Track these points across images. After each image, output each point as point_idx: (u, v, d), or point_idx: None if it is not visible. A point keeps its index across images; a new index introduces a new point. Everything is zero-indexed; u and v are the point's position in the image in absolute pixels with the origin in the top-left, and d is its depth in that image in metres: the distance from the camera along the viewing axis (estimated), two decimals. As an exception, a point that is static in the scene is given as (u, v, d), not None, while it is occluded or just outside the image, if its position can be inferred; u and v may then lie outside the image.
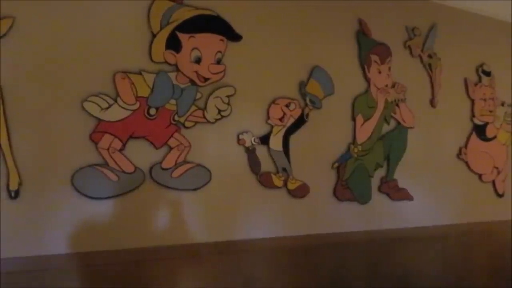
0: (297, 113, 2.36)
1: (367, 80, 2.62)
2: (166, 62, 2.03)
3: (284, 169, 2.30)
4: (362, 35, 2.62)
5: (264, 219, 2.26)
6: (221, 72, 2.15)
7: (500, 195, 3.16)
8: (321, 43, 2.48)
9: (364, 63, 2.62)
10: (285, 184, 2.30)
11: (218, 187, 2.12)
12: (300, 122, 2.37)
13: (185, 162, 2.05)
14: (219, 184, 2.13)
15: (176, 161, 2.03)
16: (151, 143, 1.98)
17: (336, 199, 2.46)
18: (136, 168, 1.93)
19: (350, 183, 2.50)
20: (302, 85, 2.39)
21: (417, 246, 2.72)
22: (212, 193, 2.11)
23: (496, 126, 3.17)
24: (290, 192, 2.31)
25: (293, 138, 2.34)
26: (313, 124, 2.41)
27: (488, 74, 3.16)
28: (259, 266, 2.23)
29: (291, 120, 2.34)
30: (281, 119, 2.31)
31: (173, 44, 2.05)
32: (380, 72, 2.67)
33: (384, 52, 2.69)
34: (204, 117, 2.11)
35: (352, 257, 2.50)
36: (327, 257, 2.42)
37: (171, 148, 2.02)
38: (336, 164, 2.47)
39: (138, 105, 1.96)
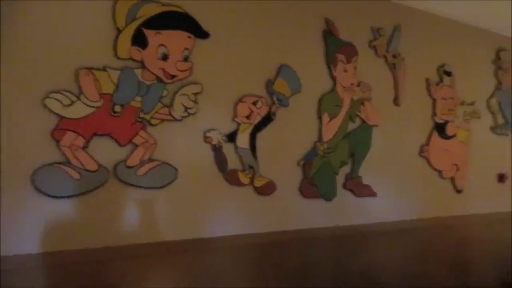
0: (264, 111, 2.39)
1: (333, 79, 2.67)
2: (131, 58, 2.01)
3: (251, 167, 2.32)
4: (329, 34, 2.67)
5: (231, 216, 2.27)
6: (188, 69, 2.15)
7: (459, 191, 3.30)
8: (288, 42, 2.51)
9: (330, 62, 2.67)
10: (252, 182, 2.32)
11: (184, 185, 2.12)
12: (267, 120, 2.40)
13: (150, 160, 2.03)
14: (186, 182, 2.12)
15: (141, 159, 2.01)
16: (116, 140, 1.96)
17: (302, 196, 2.50)
18: (99, 166, 1.90)
19: (315, 180, 2.55)
20: (269, 83, 2.41)
21: (380, 241, 2.81)
22: (179, 191, 2.10)
23: (456, 125, 3.30)
24: (256, 189, 2.33)
25: (260, 136, 2.36)
26: (280, 122, 2.44)
27: (449, 74, 3.28)
28: (226, 264, 2.25)
29: (258, 118, 2.36)
30: (248, 117, 2.33)
31: (139, 40, 2.02)
32: (346, 71, 2.72)
33: (350, 52, 2.75)
34: (171, 115, 2.09)
35: (318, 253, 2.55)
36: (293, 254, 2.46)
37: (136, 146, 2.00)
38: (302, 162, 2.51)
39: (102, 102, 1.93)
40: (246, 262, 2.31)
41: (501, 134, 3.64)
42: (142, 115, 2.02)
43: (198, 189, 2.17)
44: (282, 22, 2.49)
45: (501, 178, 3.57)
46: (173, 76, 2.10)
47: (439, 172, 3.19)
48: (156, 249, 2.05)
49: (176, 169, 2.09)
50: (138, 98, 2.01)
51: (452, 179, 3.27)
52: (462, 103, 3.37)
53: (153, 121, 2.05)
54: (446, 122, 3.25)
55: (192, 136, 2.16)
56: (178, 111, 2.11)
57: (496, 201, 3.52)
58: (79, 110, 1.87)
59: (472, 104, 3.44)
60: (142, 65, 2.03)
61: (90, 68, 1.90)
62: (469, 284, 2.90)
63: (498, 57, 3.68)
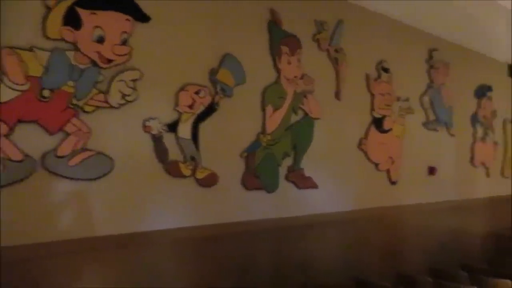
0: (207, 100, 2.32)
1: (277, 70, 2.66)
2: (63, 39, 1.85)
3: (193, 158, 2.25)
4: (273, 25, 2.65)
5: (171, 209, 2.19)
6: (126, 54, 2.02)
7: (393, 183, 3.46)
8: (233, 31, 2.46)
9: (275, 54, 2.65)
10: (194, 173, 2.26)
11: (121, 176, 2.00)
12: (210, 110, 2.33)
13: (84, 149, 1.89)
14: (123, 173, 2.01)
15: (73, 148, 1.87)
16: (44, 128, 1.80)
17: (244, 188, 2.48)
18: (25, 155, 1.74)
19: (258, 172, 2.53)
20: (213, 73, 2.35)
21: (320, 232, 2.87)
22: (115, 183, 1.99)
23: (392, 120, 3.44)
24: (198, 181, 2.27)
25: (202, 126, 2.30)
26: (223, 112, 2.38)
27: (386, 70, 3.41)
28: (165, 258, 2.17)
29: (201, 108, 2.30)
30: (190, 107, 2.25)
31: (72, 20, 1.87)
32: (290, 63, 2.73)
33: (294, 44, 2.75)
34: (107, 102, 1.97)
35: (260, 245, 2.55)
36: (235, 246, 2.43)
37: (68, 134, 1.86)
38: (245, 153, 2.49)
39: (28, 86, 1.76)
40: (187, 256, 2.25)
41: (432, 129, 3.87)
42: (74, 101, 1.88)
43: (136, 180, 2.06)
44: (227, 10, 2.43)
45: (431, 170, 3.79)
46: (109, 61, 1.97)
47: (376, 164, 3.32)
48: (89, 245, 1.92)
49: (112, 160, 1.97)
50: (70, 83, 1.86)
51: (388, 172, 3.41)
52: (398, 99, 3.52)
53: (87, 108, 1.91)
54: (383, 116, 3.38)
55: (130, 125, 2.05)
56: (115, 98, 1.99)
57: (427, 192, 3.74)
58: (1, 94, 1.69)
59: (407, 100, 3.60)
60: (75, 47, 1.88)
61: (14, 48, 1.73)
62: (401, 271, 3.04)
63: (430, 57, 3.89)
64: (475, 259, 3.96)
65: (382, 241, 3.28)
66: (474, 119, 4.43)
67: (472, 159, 4.34)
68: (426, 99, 3.82)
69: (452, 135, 4.07)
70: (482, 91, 4.54)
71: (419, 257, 3.55)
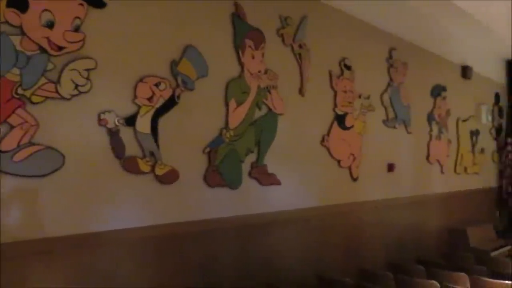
0: (167, 93, 2.21)
1: (241, 64, 2.59)
2: (7, 22, 1.68)
3: (152, 154, 2.14)
4: (237, 18, 2.57)
5: (129, 207, 2.07)
6: (79, 41, 1.88)
7: (354, 179, 3.48)
8: (195, 22, 2.36)
9: (238, 47, 2.58)
10: (153, 170, 2.14)
11: (73, 173, 1.86)
12: (170, 103, 2.23)
13: (30, 143, 1.74)
14: (75, 170, 1.87)
15: (19, 142, 1.71)
16: (-15, 120, 1.63)
17: (206, 185, 2.39)
18: (-38, 150, 1.57)
19: (221, 168, 2.45)
20: (173, 64, 2.24)
21: (283, 229, 2.83)
22: (66, 180, 1.84)
23: (353, 117, 3.47)
24: (158, 178, 2.16)
25: (162, 120, 2.19)
26: (184, 106, 2.29)
27: (349, 68, 3.43)
28: (122, 259, 2.05)
29: (161, 101, 2.18)
30: (149, 99, 2.14)
31: (18, 1, 1.70)
32: (253, 58, 2.66)
33: (258, 38, 2.69)
34: (57, 92, 1.82)
35: (223, 243, 2.47)
36: (197, 245, 2.34)
37: (12, 127, 1.69)
38: (208, 149, 2.40)
39: (-34, 72, 1.58)
40: (147, 257, 2.14)
41: (391, 127, 3.94)
42: (20, 90, 1.71)
43: (90, 177, 1.93)
44: (190, 0, 2.33)
45: (390, 167, 3.86)
46: (60, 48, 1.82)
47: (338, 161, 3.32)
48: (39, 247, 1.77)
49: (63, 155, 1.83)
50: (15, 70, 1.70)
51: (349, 168, 3.43)
52: (360, 97, 3.56)
53: (35, 99, 1.75)
54: (346, 113, 3.39)
55: (83, 118, 1.91)
56: (66, 88, 1.84)
57: (386, 189, 3.81)
58: None
59: (368, 98, 3.65)
60: (22, 32, 1.72)
61: (-51, 29, 1.55)
62: (362, 266, 3.07)
63: (390, 56, 3.96)
64: (431, 253, 4.08)
65: (344, 237, 3.30)
66: (430, 118, 4.56)
67: (428, 156, 4.47)
68: (386, 97, 3.88)
69: (409, 132, 4.17)
70: (438, 91, 4.69)
71: (379, 252, 3.60)
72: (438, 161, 4.63)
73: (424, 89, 4.51)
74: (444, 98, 4.77)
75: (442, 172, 4.71)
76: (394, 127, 3.97)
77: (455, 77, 5.01)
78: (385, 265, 3.34)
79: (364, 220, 3.55)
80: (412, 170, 4.19)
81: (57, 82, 1.81)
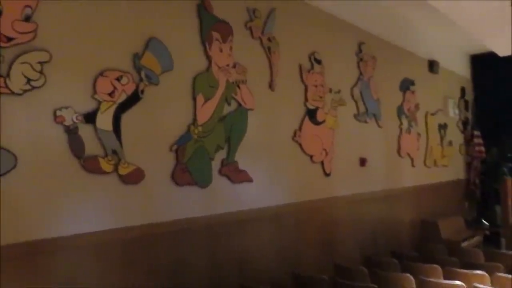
0: (130, 88, 2.09)
1: (208, 58, 2.50)
2: None
3: (115, 152, 2.01)
4: (203, 9, 2.48)
5: (90, 210, 1.94)
6: (30, 31, 1.74)
7: (327, 175, 3.45)
8: (159, 13, 2.25)
9: (205, 40, 2.48)
10: (116, 169, 2.02)
11: (26, 175, 1.72)
12: (134, 98, 2.11)
13: (-23, 143, 1.59)
14: (29, 171, 1.73)
15: (-37, 142, 1.56)
16: None
17: (175, 184, 2.28)
18: None
19: (190, 166, 2.35)
20: (136, 57, 2.12)
21: (256, 227, 2.75)
22: (18, 183, 1.70)
23: (324, 111, 3.43)
24: (121, 177, 2.04)
25: (125, 117, 2.07)
26: (149, 101, 2.17)
27: (319, 62, 3.39)
28: (83, 266, 1.91)
29: (123, 96, 2.06)
30: (111, 94, 2.01)
31: (-42, -12, 1.55)
32: (221, 51, 2.57)
33: (225, 30, 2.61)
34: (7, 87, 1.67)
35: (193, 244, 2.37)
36: (166, 247, 2.23)
37: (-45, 125, 1.54)
38: (175, 146, 2.29)
39: None
40: (111, 262, 2.01)
41: (362, 121, 3.94)
42: (-37, 85, 1.56)
43: (46, 179, 1.79)
44: (152, -11, 2.22)
45: (363, 162, 3.86)
46: (9, 39, 1.68)
47: (310, 156, 3.28)
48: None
49: (14, 155, 1.68)
50: (-43, 63, 1.55)
51: (322, 163, 3.39)
52: (330, 91, 3.52)
53: (-19, 94, 1.61)
54: (317, 108, 3.35)
55: (37, 115, 1.77)
56: (17, 83, 1.70)
57: (358, 183, 3.79)
58: None
59: (338, 92, 3.62)
60: (-37, 21, 1.57)
61: None
62: (337, 262, 3.04)
63: (360, 50, 3.95)
64: (404, 246, 4.11)
65: (318, 233, 3.25)
66: (400, 112, 4.60)
67: (399, 150, 4.50)
68: (356, 91, 3.87)
69: (380, 126, 4.18)
70: (406, 85, 4.73)
71: (353, 247, 3.58)
72: (408, 154, 4.67)
73: (393, 83, 4.54)
74: (413, 92, 4.82)
75: (413, 165, 4.75)
76: (365, 122, 3.96)
77: (422, 71, 5.08)
78: (360, 260, 3.33)
79: (337, 215, 3.53)
80: (383, 164, 4.20)
81: (7, 76, 1.67)
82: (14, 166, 1.68)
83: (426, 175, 5.00)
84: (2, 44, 1.66)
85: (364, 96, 3.97)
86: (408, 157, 4.68)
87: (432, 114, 5.27)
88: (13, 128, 1.69)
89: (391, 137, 4.42)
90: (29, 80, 1.73)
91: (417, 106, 4.90)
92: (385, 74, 4.28)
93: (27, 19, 1.73)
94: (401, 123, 4.59)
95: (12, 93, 1.68)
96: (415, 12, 4.39)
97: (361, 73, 3.96)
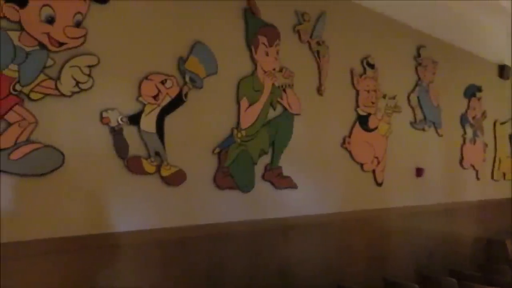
0: (174, 91, 2.13)
1: (254, 62, 2.48)
2: (5, 17, 1.65)
3: (157, 154, 2.05)
4: (250, 13, 2.47)
5: (133, 209, 1.99)
6: (80, 36, 1.83)
7: (379, 184, 3.28)
8: (204, 17, 2.27)
9: (251, 44, 2.47)
10: (158, 170, 2.05)
11: (73, 173, 1.80)
12: (177, 101, 2.14)
13: (29, 141, 1.69)
14: (75, 170, 1.81)
15: (16, 140, 1.66)
16: (-19, 116, 1.60)
17: (216, 187, 2.28)
18: (-43, 147, 1.54)
19: (232, 170, 2.34)
20: (181, 61, 2.16)
21: (300, 236, 2.68)
22: (66, 180, 1.78)
23: (377, 118, 3.28)
24: (163, 179, 2.07)
25: (169, 119, 2.10)
26: (193, 105, 2.19)
27: (372, 66, 3.25)
28: (125, 264, 1.96)
29: (167, 99, 2.10)
30: (155, 97, 2.06)
31: (16, -4, 1.67)
32: (267, 55, 2.55)
33: (272, 34, 2.58)
34: (57, 89, 1.76)
35: (233, 249, 2.34)
36: (205, 250, 2.23)
37: (10, 124, 1.65)
38: (218, 150, 2.29)
39: (-37, 68, 1.55)
40: (149, 262, 2.04)
41: (420, 129, 3.71)
42: (18, 87, 1.67)
43: (91, 178, 1.86)
44: (199, -6, 2.25)
45: (419, 172, 3.63)
46: (61, 44, 1.77)
47: (361, 164, 3.14)
48: (35, 248, 1.71)
49: (62, 154, 1.77)
50: (13, 66, 1.66)
51: (373, 172, 3.24)
52: (384, 97, 3.36)
53: (34, 95, 1.71)
54: (369, 114, 3.21)
55: (84, 116, 1.85)
56: (67, 85, 1.79)
57: (414, 195, 3.57)
58: None
59: (393, 98, 3.44)
60: (20, 27, 1.68)
61: None
62: (387, 275, 2.87)
63: (418, 54, 3.74)
64: (465, 265, 3.79)
65: (367, 245, 3.09)
66: (464, 120, 4.28)
67: (461, 160, 4.19)
68: (414, 97, 3.66)
69: (440, 135, 3.92)
70: (472, 91, 4.41)
71: (405, 262, 3.37)
72: (473, 166, 4.33)
73: (457, 89, 4.24)
74: (479, 99, 4.47)
75: (477, 178, 4.40)
76: (423, 129, 3.73)
77: (491, 77, 4.70)
78: (412, 276, 3.12)
79: (390, 227, 3.34)
80: (443, 176, 3.92)
81: (57, 78, 1.76)
82: (62, 164, 1.77)
83: (493, 189, 4.59)
84: (54, 49, 1.75)
85: (423, 103, 3.74)
86: (472, 169, 4.33)
87: (502, 123, 4.85)
88: (62, 128, 1.78)
89: (453, 147, 4.12)
90: (78, 83, 1.81)
91: (484, 114, 4.54)
92: (447, 80, 4.01)
93: (78, 25, 1.82)
94: (464, 132, 4.27)
95: (62, 94, 1.77)
96: (482, 12, 4.07)
97: (419, 78, 3.74)
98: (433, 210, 3.72)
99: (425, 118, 3.75)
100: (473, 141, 4.36)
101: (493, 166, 4.68)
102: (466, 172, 4.25)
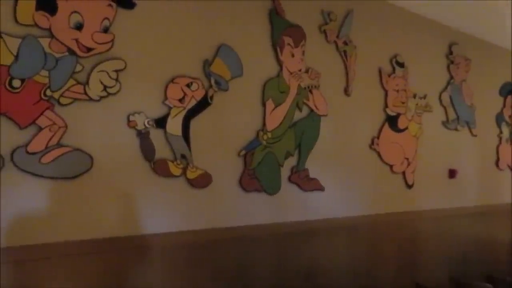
0: (200, 94, 2.13)
1: (279, 63, 2.46)
2: (36, 25, 1.70)
3: (183, 156, 2.06)
4: (275, 14, 2.45)
5: (159, 212, 2.01)
6: (108, 42, 1.86)
7: (409, 186, 3.19)
8: (229, 19, 2.27)
9: (276, 45, 2.45)
10: (184, 173, 2.07)
11: (101, 176, 1.83)
12: (203, 104, 2.15)
13: (59, 145, 1.73)
14: (103, 172, 1.84)
15: (47, 144, 1.70)
16: (14, 121, 1.64)
17: (242, 190, 2.27)
18: (-8, 151, 1.59)
19: (258, 172, 2.33)
20: (206, 64, 2.16)
21: (327, 239, 2.63)
22: (94, 183, 1.82)
23: (407, 118, 3.19)
24: (189, 181, 2.08)
25: (194, 122, 2.11)
26: (218, 107, 2.20)
27: (401, 65, 3.16)
28: (153, 265, 1.98)
29: (193, 102, 2.11)
30: (181, 100, 2.07)
31: (47, 4, 1.72)
32: (293, 56, 2.52)
33: (298, 35, 2.55)
34: (86, 94, 1.80)
35: (259, 252, 2.33)
36: (231, 253, 2.23)
37: (41, 129, 1.69)
38: (243, 152, 2.28)
39: (-4, 75, 1.61)
40: (177, 264, 2.05)
41: (452, 129, 3.58)
42: (49, 92, 1.72)
43: (119, 180, 1.89)
44: (223, -3, 2.25)
45: (452, 173, 3.50)
46: (89, 49, 1.81)
47: (390, 166, 3.06)
48: (65, 250, 1.75)
49: (91, 157, 1.80)
50: (43, 73, 1.70)
51: (403, 174, 3.15)
52: (414, 96, 3.27)
53: (63, 100, 1.75)
54: (398, 114, 3.13)
55: (112, 119, 1.88)
56: (95, 90, 1.82)
57: (447, 197, 3.45)
58: (-36, 83, 1.55)
59: (424, 97, 3.34)
60: (50, 34, 1.72)
61: (-20, 33, 1.58)
62: (418, 281, 2.78)
63: (450, 51, 3.62)
64: (502, 270, 3.62)
65: (397, 249, 3.01)
66: (499, 119, 4.10)
67: (497, 161, 4.01)
68: (445, 96, 3.54)
69: (474, 135, 3.77)
70: (507, 89, 4.21)
71: (439, 267, 3.25)
72: (509, 167, 4.14)
73: (492, 87, 4.07)
74: (516, 97, 4.28)
75: (515, 179, 4.20)
76: (456, 129, 3.60)
77: (528, 74, 4.48)
78: (446, 282, 3.01)
79: (421, 231, 3.23)
80: (478, 177, 3.77)
81: (86, 83, 1.80)
82: (91, 167, 1.80)
83: (532, 191, 4.38)
84: (82, 54, 1.79)
85: (455, 102, 3.61)
86: (509, 170, 4.15)
87: (541, 122, 4.62)
88: (90, 132, 1.82)
89: (488, 147, 3.95)
90: (105, 87, 1.84)
91: (521, 113, 4.34)
92: (481, 78, 3.86)
93: (105, 30, 1.85)
94: (500, 132, 4.09)
95: (90, 99, 1.81)
96: (519, 7, 3.89)
97: (451, 77, 3.62)
98: (468, 213, 3.58)
99: (458, 117, 3.62)
100: (510, 141, 4.17)
101: (532, 167, 4.46)
102: (502, 173, 4.07)
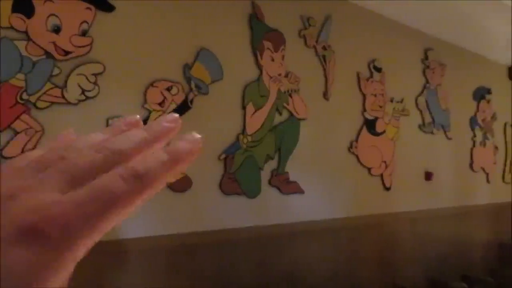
0: (180, 98, 2.14)
1: (259, 67, 2.48)
2: (12, 27, 1.67)
3: (163, 160, 2.06)
4: (255, 19, 2.48)
5: (137, 215, 1.99)
6: (86, 45, 1.85)
7: (387, 189, 3.25)
8: (209, 24, 2.28)
9: (256, 49, 2.48)
10: (164, 177, 2.05)
11: (79, 180, 1.81)
12: (183, 108, 2.15)
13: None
14: (82, 177, 1.81)
15: (23, 148, 1.68)
16: (-11, 125, 1.62)
17: (222, 193, 2.28)
18: (-35, 155, 1.56)
19: (238, 175, 2.34)
20: (186, 68, 2.17)
21: (307, 241, 2.66)
22: (72, 187, 1.79)
23: (385, 121, 3.25)
24: (169, 185, 2.07)
25: (174, 126, 2.10)
26: (198, 111, 2.20)
27: (379, 70, 3.23)
28: (131, 270, 1.97)
29: (173, 106, 2.11)
30: (160, 104, 2.07)
31: (23, 6, 1.70)
32: (273, 60, 2.55)
33: (278, 39, 2.58)
34: (63, 97, 1.78)
35: (240, 256, 2.34)
36: (211, 257, 2.23)
37: (17, 133, 1.67)
38: (224, 155, 2.29)
39: (-29, 78, 1.58)
40: (156, 268, 2.04)
41: (428, 132, 3.67)
42: (25, 96, 1.69)
43: (98, 184, 1.86)
44: (204, 1, 2.26)
45: (428, 176, 3.59)
46: (67, 52, 1.79)
47: (369, 169, 3.11)
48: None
49: (69, 161, 1.78)
50: (20, 76, 1.68)
51: (381, 177, 3.21)
52: (391, 100, 3.34)
53: (40, 104, 1.73)
54: (376, 118, 3.19)
55: (91, 124, 1.86)
56: (73, 94, 1.80)
57: (423, 199, 3.53)
58: None
59: (401, 101, 3.42)
60: (27, 37, 1.70)
61: (-46, 35, 1.55)
62: (396, 282, 2.83)
63: (426, 57, 3.71)
64: (477, 270, 3.73)
65: (377, 251, 3.06)
66: (473, 123, 4.23)
67: (471, 164, 4.13)
68: (422, 100, 3.63)
69: (449, 138, 3.87)
70: (481, 94, 4.35)
71: (416, 267, 3.32)
72: (483, 169, 4.27)
73: (465, 91, 4.19)
74: (489, 101, 4.41)
75: (488, 181, 4.33)
76: (432, 133, 3.69)
77: (501, 79, 4.64)
78: (423, 282, 3.07)
79: (399, 232, 3.30)
80: (453, 179, 3.87)
81: (63, 87, 1.78)
82: (68, 172, 1.78)
83: (505, 193, 4.52)
84: (60, 58, 1.77)
85: (431, 106, 3.70)
86: (483, 172, 4.27)
87: (513, 126, 4.78)
88: (69, 136, 1.79)
89: (462, 150, 4.07)
90: (83, 91, 1.83)
91: (494, 117, 4.48)
92: (455, 82, 3.97)
93: (84, 33, 1.84)
94: (474, 135, 4.21)
95: (68, 103, 1.79)
96: (491, 14, 4.02)
97: (427, 81, 3.71)
98: (444, 214, 3.67)
99: (433, 121, 3.71)
100: (483, 144, 4.30)
101: (504, 169, 4.61)
102: (476, 175, 4.19)
